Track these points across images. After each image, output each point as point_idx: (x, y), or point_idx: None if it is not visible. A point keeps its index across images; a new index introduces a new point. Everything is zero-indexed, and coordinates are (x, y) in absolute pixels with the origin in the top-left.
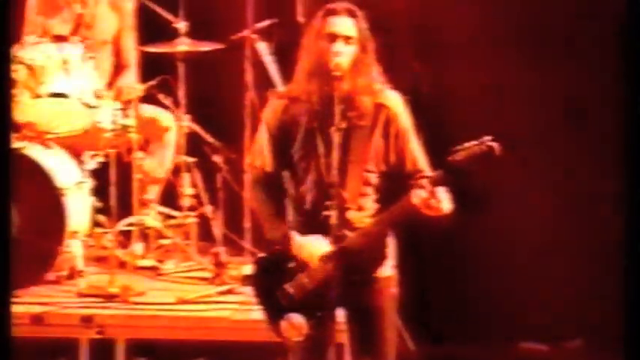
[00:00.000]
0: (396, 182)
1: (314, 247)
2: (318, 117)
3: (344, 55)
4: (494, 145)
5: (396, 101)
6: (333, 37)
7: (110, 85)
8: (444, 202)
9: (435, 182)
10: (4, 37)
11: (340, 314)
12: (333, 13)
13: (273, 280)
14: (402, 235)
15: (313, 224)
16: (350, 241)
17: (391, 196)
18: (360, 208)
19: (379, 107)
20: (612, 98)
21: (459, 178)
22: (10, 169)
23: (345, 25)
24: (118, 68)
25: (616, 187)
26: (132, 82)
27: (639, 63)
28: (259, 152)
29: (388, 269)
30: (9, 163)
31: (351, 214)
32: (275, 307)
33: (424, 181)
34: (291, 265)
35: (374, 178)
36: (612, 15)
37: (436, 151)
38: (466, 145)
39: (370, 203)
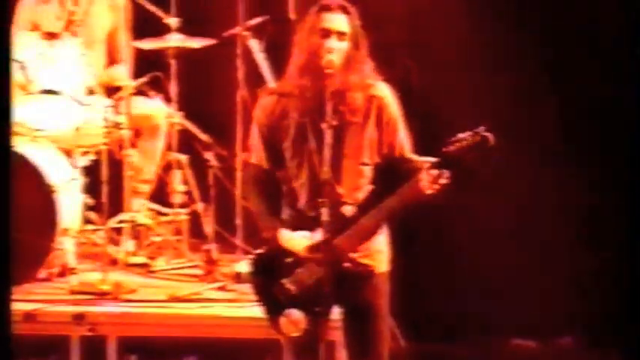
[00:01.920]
0: (387, 174)
1: (301, 240)
2: (310, 113)
3: (336, 51)
4: (489, 135)
5: (386, 91)
6: (326, 33)
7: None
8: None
9: (439, 166)
10: (4, 36)
11: (335, 311)
12: (326, 9)
13: (271, 275)
14: (393, 232)
15: (307, 220)
16: (345, 236)
17: (383, 188)
18: (356, 202)
19: (370, 99)
20: (607, 95)
21: (454, 168)
22: (9, 168)
23: (338, 21)
24: (111, 65)
25: (609, 182)
26: (123, 72)
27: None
28: (255, 149)
29: (385, 264)
30: (9, 163)
31: (347, 209)
32: (273, 303)
33: (428, 166)
34: (289, 260)
35: (369, 171)
36: (609, 13)
37: (426, 145)
38: (460, 135)
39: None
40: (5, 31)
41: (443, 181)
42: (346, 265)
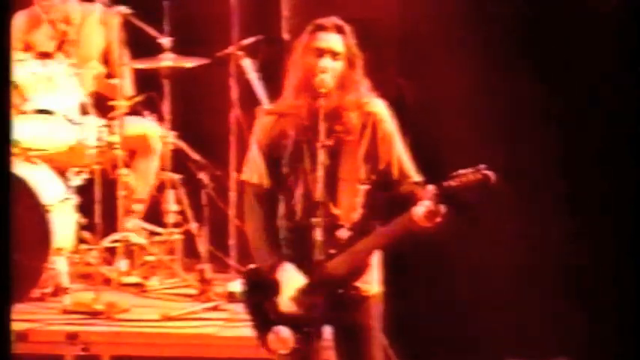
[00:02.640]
0: (384, 192)
1: (290, 281)
2: (306, 132)
3: (330, 71)
4: (490, 173)
5: (380, 107)
6: (320, 53)
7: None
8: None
9: (439, 198)
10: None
11: (327, 331)
12: (321, 29)
13: (262, 292)
14: (387, 253)
15: (302, 240)
16: (338, 261)
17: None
18: (352, 223)
19: (365, 116)
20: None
21: (452, 203)
22: (9, 188)
23: (332, 41)
24: None
25: (609, 200)
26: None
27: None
28: (255, 169)
29: (375, 286)
30: (8, 184)
31: (342, 232)
32: (263, 319)
33: (427, 198)
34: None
35: (365, 190)
36: (603, 17)
37: (421, 164)
38: (461, 171)
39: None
40: (4, 51)
41: (439, 218)
42: (338, 290)
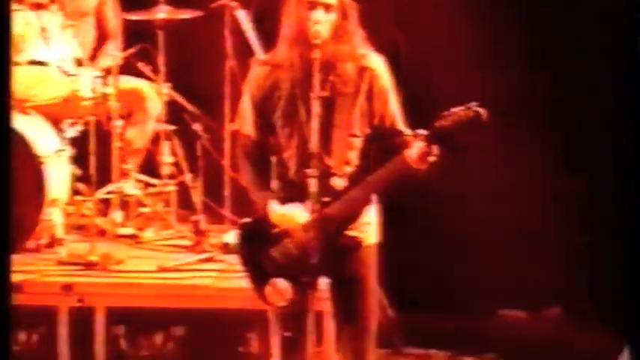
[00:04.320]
0: (377, 145)
1: (294, 216)
2: (300, 84)
3: (323, 23)
4: (481, 110)
5: (377, 62)
6: (312, 5)
7: (93, 56)
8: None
9: (430, 140)
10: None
11: (323, 282)
12: None
13: (258, 244)
14: (383, 205)
15: (297, 191)
16: (334, 207)
17: (372, 162)
18: (344, 174)
19: (362, 70)
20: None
21: (445, 143)
22: (8, 143)
23: None
24: (101, 39)
25: (603, 154)
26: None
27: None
28: (245, 120)
29: (373, 236)
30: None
31: (336, 181)
32: (260, 272)
33: (418, 140)
34: (277, 230)
35: (359, 143)
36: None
37: (416, 118)
38: (453, 110)
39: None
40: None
41: (432, 158)
42: (335, 237)
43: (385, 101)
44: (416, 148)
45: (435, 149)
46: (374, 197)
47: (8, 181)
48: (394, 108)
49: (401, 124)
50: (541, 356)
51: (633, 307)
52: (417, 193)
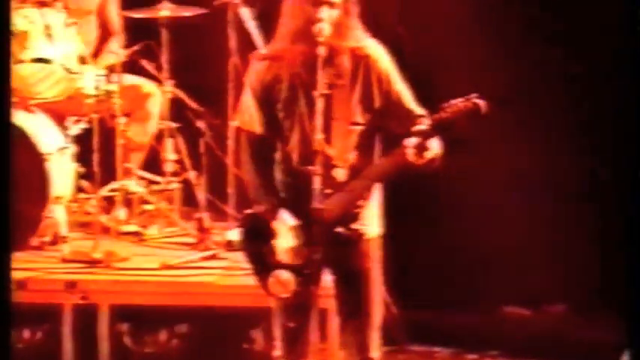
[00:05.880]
0: (383, 128)
1: (288, 224)
2: (301, 77)
3: (327, 20)
4: (481, 102)
5: (374, 48)
6: (317, 2)
7: (96, 54)
8: (435, 150)
9: (427, 134)
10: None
11: (326, 278)
12: None
13: (260, 236)
14: (386, 197)
15: (300, 184)
16: (334, 199)
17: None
18: (346, 164)
19: (358, 59)
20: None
21: (446, 134)
22: (9, 138)
23: None
24: (104, 38)
25: (607, 155)
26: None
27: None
28: (247, 114)
29: (375, 229)
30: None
31: (337, 172)
32: (262, 263)
33: (415, 134)
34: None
35: (360, 129)
36: None
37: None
38: (452, 102)
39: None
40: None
41: (430, 153)
42: (337, 229)
43: (387, 82)
44: (410, 144)
45: (432, 143)
46: (376, 189)
47: (9, 178)
48: (399, 87)
49: (410, 103)
50: (545, 353)
51: (637, 304)
52: (420, 190)
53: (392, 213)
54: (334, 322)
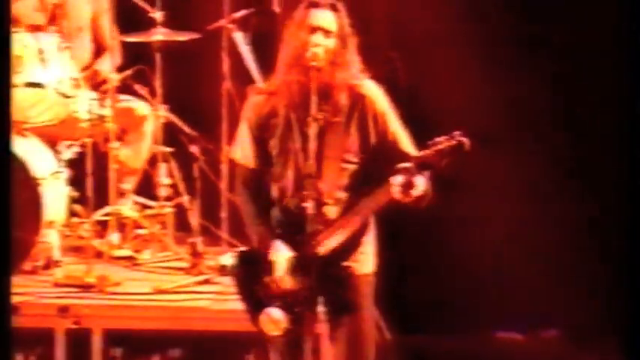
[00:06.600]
0: (376, 168)
1: (278, 257)
2: (296, 109)
3: (322, 46)
4: (464, 140)
5: (372, 88)
6: (313, 30)
7: (89, 68)
8: (421, 187)
9: (412, 172)
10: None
11: (320, 309)
12: (314, 5)
13: (253, 272)
14: (379, 225)
15: (292, 219)
16: (325, 236)
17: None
18: (336, 202)
19: (356, 98)
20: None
21: (429, 172)
22: (8, 168)
23: (326, 18)
24: (98, 53)
25: (595, 177)
26: (110, 66)
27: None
28: (242, 149)
29: (368, 266)
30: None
31: (328, 209)
32: (255, 299)
33: (401, 171)
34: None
35: (353, 168)
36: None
37: (413, 140)
38: (436, 139)
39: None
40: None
41: (416, 191)
42: (328, 267)
43: (384, 123)
44: (396, 182)
45: (420, 181)
46: (369, 226)
47: (8, 203)
48: (396, 128)
49: (406, 146)
50: None
51: (631, 329)
52: (413, 217)
53: (385, 240)
54: (328, 348)
